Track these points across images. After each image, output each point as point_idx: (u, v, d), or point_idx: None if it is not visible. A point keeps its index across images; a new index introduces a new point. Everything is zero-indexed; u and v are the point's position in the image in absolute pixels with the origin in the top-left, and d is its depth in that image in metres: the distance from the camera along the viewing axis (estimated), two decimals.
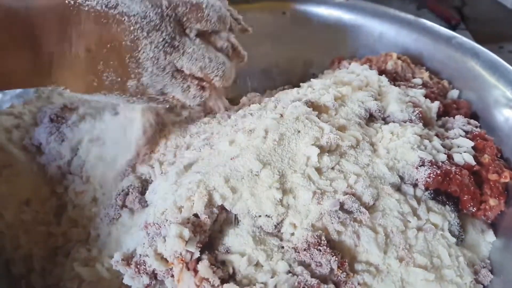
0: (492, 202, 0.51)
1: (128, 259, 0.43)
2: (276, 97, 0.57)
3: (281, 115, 0.50)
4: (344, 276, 0.41)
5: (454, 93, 0.65)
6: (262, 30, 0.77)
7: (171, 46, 0.46)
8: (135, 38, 0.44)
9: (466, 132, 0.57)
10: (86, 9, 0.42)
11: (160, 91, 0.48)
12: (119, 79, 0.45)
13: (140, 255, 0.43)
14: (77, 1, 0.42)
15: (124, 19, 0.43)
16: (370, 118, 0.56)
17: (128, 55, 0.44)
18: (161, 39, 0.45)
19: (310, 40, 0.79)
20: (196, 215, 0.43)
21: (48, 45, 0.41)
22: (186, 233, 0.41)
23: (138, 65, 0.45)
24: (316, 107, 0.53)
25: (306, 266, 0.42)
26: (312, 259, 0.41)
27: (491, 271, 0.47)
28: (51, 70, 0.42)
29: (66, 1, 0.42)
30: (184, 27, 0.47)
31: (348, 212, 0.44)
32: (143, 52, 0.44)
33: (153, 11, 0.44)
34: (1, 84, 0.44)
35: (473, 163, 0.51)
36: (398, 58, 0.68)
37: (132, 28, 0.43)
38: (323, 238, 0.42)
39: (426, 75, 0.66)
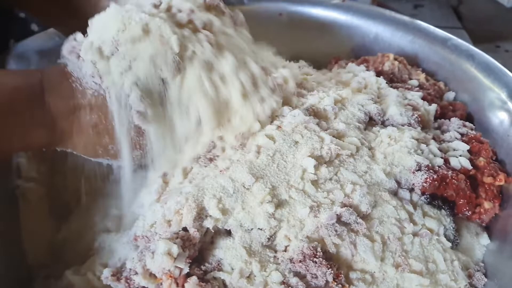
0: (487, 205, 0.51)
1: (117, 274, 0.43)
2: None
3: (279, 127, 0.50)
4: None
5: (450, 95, 0.66)
6: (258, 32, 0.77)
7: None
8: None
9: (462, 134, 0.57)
10: (91, 92, 0.46)
11: None
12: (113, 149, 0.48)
13: (130, 269, 0.43)
14: (82, 85, 0.46)
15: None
16: (370, 122, 0.56)
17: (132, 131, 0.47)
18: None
19: (307, 42, 0.79)
20: (185, 229, 0.43)
21: (60, 122, 0.45)
22: (175, 249, 0.41)
23: (143, 137, 0.48)
24: (316, 113, 0.53)
25: (301, 277, 0.42)
26: (308, 270, 0.42)
27: (485, 275, 0.48)
28: (62, 142, 0.47)
29: (74, 85, 0.45)
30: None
31: (345, 224, 0.44)
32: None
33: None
34: (15, 151, 0.51)
35: (470, 167, 0.52)
36: (395, 59, 0.68)
37: None
38: (318, 249, 0.42)
39: (422, 76, 0.66)
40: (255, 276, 0.42)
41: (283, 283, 0.41)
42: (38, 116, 0.45)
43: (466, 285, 0.45)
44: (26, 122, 0.44)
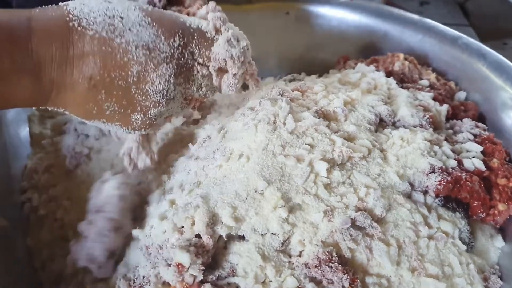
0: (501, 207, 0.50)
1: (130, 281, 0.43)
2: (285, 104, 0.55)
3: (291, 132, 0.49)
4: None
5: (461, 95, 0.65)
6: (265, 31, 0.76)
7: (181, 77, 0.45)
8: (143, 70, 0.42)
9: (475, 135, 0.57)
10: (91, 33, 0.40)
11: (164, 119, 0.47)
12: (122, 111, 0.43)
13: (143, 277, 0.43)
14: (82, 24, 0.40)
15: (131, 49, 0.41)
16: (380, 123, 0.56)
17: (134, 87, 0.42)
18: (171, 71, 0.43)
19: (314, 40, 0.78)
20: (198, 236, 0.43)
21: (49, 70, 0.39)
22: (189, 257, 0.40)
23: (145, 97, 0.43)
24: (326, 115, 0.53)
25: (317, 283, 0.41)
26: (324, 276, 0.41)
27: (501, 277, 0.47)
28: (51, 94, 0.41)
29: (70, 24, 0.39)
30: (195, 57, 0.46)
31: (360, 228, 0.44)
32: (152, 84, 0.43)
33: (163, 42, 0.43)
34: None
35: (483, 168, 0.51)
36: (405, 59, 0.67)
37: (139, 59, 0.41)
38: (334, 254, 0.42)
39: (433, 76, 0.66)
40: (270, 281, 0.41)
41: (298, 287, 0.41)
42: (21, 61, 0.38)
43: None
44: (4, 67, 0.37)
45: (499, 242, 0.50)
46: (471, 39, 0.67)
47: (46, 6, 0.41)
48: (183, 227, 0.44)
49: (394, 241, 0.44)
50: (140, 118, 0.44)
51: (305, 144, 0.48)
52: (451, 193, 0.49)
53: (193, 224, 0.43)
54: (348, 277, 0.41)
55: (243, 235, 0.44)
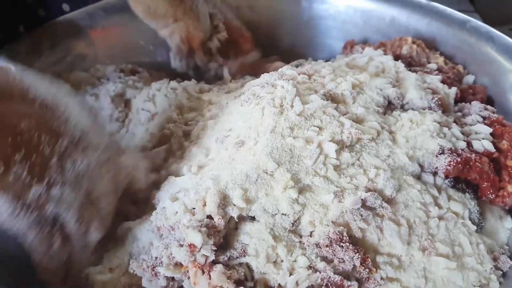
0: (510, 188, 0.50)
1: (143, 262, 0.43)
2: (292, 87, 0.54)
3: (299, 114, 0.49)
4: (367, 272, 0.41)
5: (469, 78, 0.65)
6: (273, 17, 0.76)
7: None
8: (72, 145, 0.39)
9: (484, 118, 0.57)
10: (34, 95, 0.39)
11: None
12: (25, 179, 0.36)
13: (156, 257, 0.43)
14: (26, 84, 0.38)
15: (69, 121, 0.40)
16: (389, 106, 0.55)
17: (55, 159, 0.38)
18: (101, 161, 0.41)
19: (320, 26, 0.78)
20: (209, 217, 0.43)
21: None
22: (201, 238, 0.41)
23: (61, 173, 0.38)
24: (334, 98, 0.53)
25: (329, 262, 0.42)
26: (335, 255, 0.41)
27: (510, 258, 0.47)
28: None
29: (13, 69, 0.38)
30: None
31: (371, 208, 0.44)
32: (78, 163, 0.39)
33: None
34: None
35: (493, 150, 0.51)
36: (413, 42, 0.67)
37: (72, 135, 0.39)
38: (345, 234, 0.42)
39: (441, 60, 0.65)
40: (282, 260, 0.42)
41: (310, 267, 0.41)
42: None
43: (491, 268, 0.45)
44: None
45: (508, 223, 0.51)
46: (479, 22, 0.67)
47: None
48: (194, 208, 0.44)
49: (404, 221, 0.44)
50: (38, 193, 0.37)
51: (314, 126, 0.48)
52: (460, 174, 0.49)
53: (204, 205, 0.43)
54: (359, 256, 0.41)
55: (254, 216, 0.44)
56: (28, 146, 0.36)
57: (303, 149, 0.46)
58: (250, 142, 0.48)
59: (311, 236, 0.43)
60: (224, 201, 0.44)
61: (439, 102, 0.56)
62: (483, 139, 0.52)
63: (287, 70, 0.57)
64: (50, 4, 0.71)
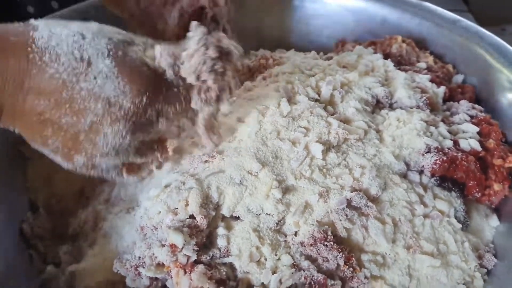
0: (496, 187, 0.51)
1: (126, 262, 0.43)
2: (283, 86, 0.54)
3: (285, 116, 0.49)
4: (351, 271, 0.41)
5: (458, 78, 0.65)
6: (263, 16, 0.76)
7: (139, 133, 0.41)
8: (97, 122, 0.39)
9: (471, 116, 0.57)
10: (51, 71, 0.37)
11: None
12: (65, 150, 0.40)
13: (139, 257, 0.43)
14: (43, 59, 0.37)
15: (90, 99, 0.38)
16: (377, 105, 0.56)
17: (83, 135, 0.39)
18: (128, 129, 0.40)
19: (312, 25, 0.78)
20: (192, 216, 0.43)
21: (2, 95, 0.37)
22: (181, 238, 0.41)
23: (93, 147, 0.40)
24: (322, 98, 0.53)
25: (313, 260, 0.42)
26: (319, 254, 0.41)
27: (495, 256, 0.48)
28: (1, 118, 0.39)
29: (30, 56, 0.37)
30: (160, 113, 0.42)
31: (356, 208, 0.44)
32: (104, 138, 0.39)
33: (127, 100, 0.39)
34: None
35: (479, 149, 0.51)
36: (403, 41, 0.67)
37: (96, 111, 0.38)
38: (329, 233, 0.42)
39: (430, 59, 0.65)
40: (265, 259, 0.42)
41: (294, 266, 0.41)
42: None
43: (476, 266, 0.45)
44: None
45: (494, 221, 0.51)
46: (469, 22, 0.67)
47: (12, 24, 0.38)
48: (177, 208, 0.44)
49: (389, 220, 0.44)
50: (83, 161, 0.41)
51: (300, 127, 0.49)
52: (446, 173, 0.49)
53: (187, 205, 0.43)
54: (343, 255, 0.41)
55: (238, 216, 0.44)
56: (54, 125, 0.39)
57: (290, 151, 0.47)
58: (234, 142, 0.48)
59: (295, 236, 0.43)
60: (206, 201, 0.44)
61: (428, 101, 0.56)
62: (470, 138, 0.53)
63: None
64: (39, 1, 0.71)
